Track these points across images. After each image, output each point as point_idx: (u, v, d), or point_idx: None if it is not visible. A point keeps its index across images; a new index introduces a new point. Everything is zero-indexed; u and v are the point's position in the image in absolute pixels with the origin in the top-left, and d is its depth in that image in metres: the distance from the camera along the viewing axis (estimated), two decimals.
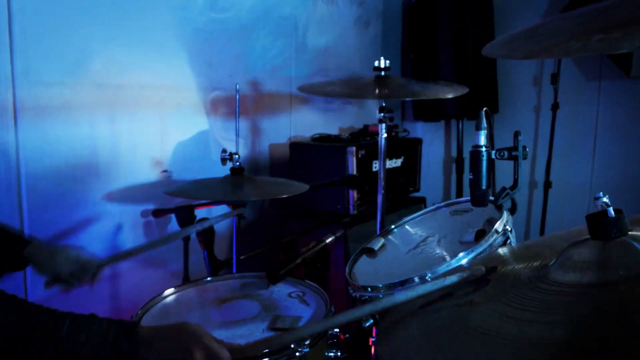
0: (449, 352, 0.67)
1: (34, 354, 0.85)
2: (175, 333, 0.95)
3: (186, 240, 1.91)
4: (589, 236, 0.74)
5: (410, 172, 2.84)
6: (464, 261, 1.17)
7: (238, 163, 1.80)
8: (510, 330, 0.66)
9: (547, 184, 2.96)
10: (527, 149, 1.18)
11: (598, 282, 0.68)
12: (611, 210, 0.72)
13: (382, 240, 1.57)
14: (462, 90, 1.79)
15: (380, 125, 1.85)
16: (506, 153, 1.18)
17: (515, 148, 1.18)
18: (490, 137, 1.22)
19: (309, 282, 1.47)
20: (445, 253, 1.37)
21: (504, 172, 1.31)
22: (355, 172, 2.40)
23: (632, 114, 2.83)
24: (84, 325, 0.90)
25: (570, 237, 0.81)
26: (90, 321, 0.92)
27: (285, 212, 2.66)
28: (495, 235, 1.23)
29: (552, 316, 0.66)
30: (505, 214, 1.30)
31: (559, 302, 0.68)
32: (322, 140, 2.67)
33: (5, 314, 0.87)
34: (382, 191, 1.90)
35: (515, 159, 1.18)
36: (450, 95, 1.77)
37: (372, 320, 1.27)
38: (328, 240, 1.55)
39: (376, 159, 2.45)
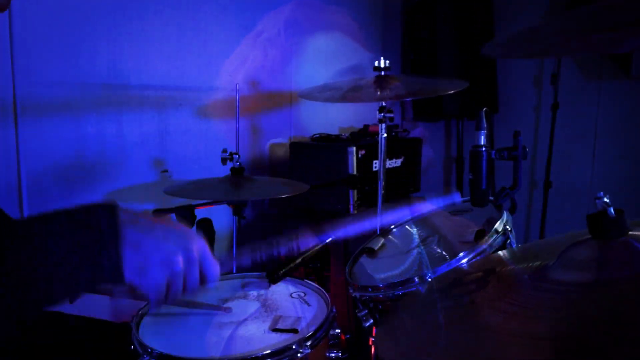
0: (452, 349, 0.67)
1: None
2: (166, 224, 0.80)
3: None
4: (589, 236, 0.74)
5: (410, 172, 2.84)
6: (464, 261, 1.17)
7: (238, 163, 1.80)
8: (513, 327, 0.66)
9: (547, 184, 2.96)
10: (527, 149, 1.18)
11: (598, 281, 0.68)
12: (612, 210, 0.72)
13: (382, 240, 1.57)
14: (462, 85, 1.77)
15: (380, 125, 1.85)
16: (506, 153, 1.18)
17: (515, 148, 1.18)
18: (490, 137, 1.22)
19: (310, 282, 1.47)
20: (445, 253, 1.37)
21: (504, 172, 1.31)
22: (355, 172, 2.40)
23: (633, 114, 2.83)
24: (52, 217, 0.72)
25: (568, 240, 0.81)
26: (58, 212, 0.73)
27: (285, 212, 2.66)
28: (495, 235, 1.23)
29: (554, 314, 0.66)
30: (505, 214, 1.30)
31: (560, 301, 0.68)
32: (322, 140, 2.67)
33: None
34: (382, 191, 1.90)
35: (515, 159, 1.18)
36: (450, 91, 1.76)
37: (372, 320, 1.28)
38: (328, 240, 1.55)
39: (376, 158, 2.45)
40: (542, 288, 0.72)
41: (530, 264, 0.82)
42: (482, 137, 1.18)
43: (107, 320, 1.47)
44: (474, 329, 0.69)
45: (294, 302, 1.37)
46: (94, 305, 1.15)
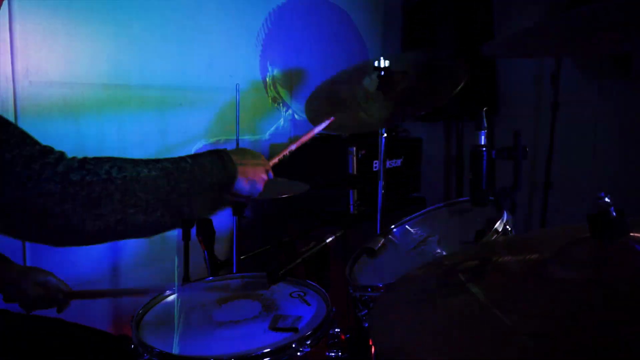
0: (446, 341, 0.67)
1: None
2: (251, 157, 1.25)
3: (186, 240, 1.90)
4: (588, 234, 0.74)
5: (410, 172, 2.84)
6: None
7: None
8: (508, 322, 0.66)
9: (547, 184, 2.96)
10: (527, 149, 1.18)
11: (597, 280, 0.68)
12: (613, 210, 0.72)
13: (382, 240, 1.58)
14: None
15: None
16: (506, 153, 1.19)
17: (515, 148, 1.18)
18: (490, 137, 1.22)
19: (309, 282, 1.47)
20: (445, 253, 1.37)
21: (504, 172, 1.31)
22: (355, 172, 2.40)
23: (632, 114, 2.83)
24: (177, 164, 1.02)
25: (566, 234, 0.81)
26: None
27: (285, 212, 2.66)
28: (495, 236, 1.23)
29: (551, 311, 0.66)
30: (505, 214, 1.30)
31: (558, 298, 0.68)
32: (322, 140, 2.66)
33: None
34: (382, 191, 1.90)
35: (515, 159, 1.18)
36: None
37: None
38: (328, 240, 1.55)
39: (376, 159, 2.45)
40: (539, 284, 0.72)
41: (527, 257, 0.82)
42: (482, 137, 1.19)
43: (106, 331, 1.47)
44: (469, 321, 0.69)
45: (294, 302, 1.37)
46: (94, 316, 1.15)
